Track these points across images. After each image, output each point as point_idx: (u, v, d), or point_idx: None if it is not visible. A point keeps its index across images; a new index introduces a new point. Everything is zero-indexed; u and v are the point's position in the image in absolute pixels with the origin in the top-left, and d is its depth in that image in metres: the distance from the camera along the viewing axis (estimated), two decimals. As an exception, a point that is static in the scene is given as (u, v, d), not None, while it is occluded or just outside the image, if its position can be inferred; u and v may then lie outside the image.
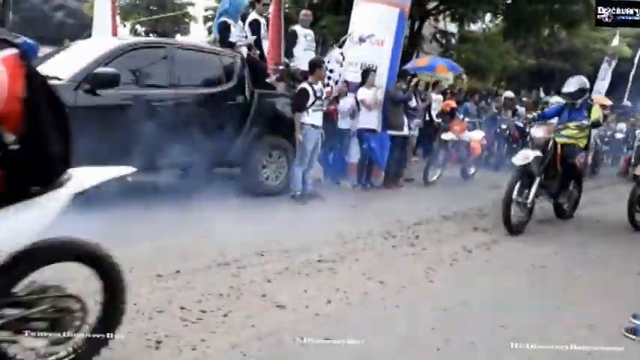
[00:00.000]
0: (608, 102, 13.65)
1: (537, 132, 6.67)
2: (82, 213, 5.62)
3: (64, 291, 2.47)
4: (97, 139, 5.29)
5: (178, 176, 6.04)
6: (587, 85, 7.12)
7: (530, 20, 15.88)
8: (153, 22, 22.48)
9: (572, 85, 6.98)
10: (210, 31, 7.51)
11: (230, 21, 7.51)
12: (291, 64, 8.38)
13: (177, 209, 5.85)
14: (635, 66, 19.97)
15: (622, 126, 14.57)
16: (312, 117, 7.13)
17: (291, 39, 8.75)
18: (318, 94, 7.21)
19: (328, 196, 7.51)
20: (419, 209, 7.27)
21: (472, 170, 10.60)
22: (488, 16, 18.66)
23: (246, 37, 7.81)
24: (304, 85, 7.21)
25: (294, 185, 7.18)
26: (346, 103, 8.33)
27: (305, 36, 8.72)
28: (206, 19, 21.54)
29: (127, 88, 5.86)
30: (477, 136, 10.62)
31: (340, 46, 8.83)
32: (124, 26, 24.95)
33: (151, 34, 23.27)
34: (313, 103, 7.12)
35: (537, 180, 6.47)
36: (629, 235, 6.95)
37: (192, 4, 27.89)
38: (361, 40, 8.76)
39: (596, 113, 6.79)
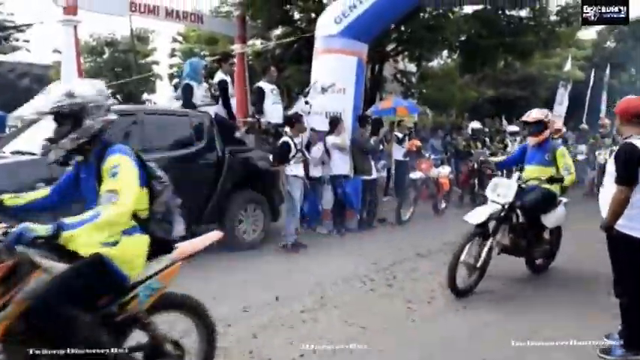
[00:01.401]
0: (560, 126, 14.00)
1: None
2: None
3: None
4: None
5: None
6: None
7: (485, 54, 16.45)
8: (119, 84, 22.67)
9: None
10: (176, 87, 7.69)
11: (193, 83, 7.70)
12: (261, 120, 8.58)
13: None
14: (589, 88, 20.69)
15: (582, 148, 14.99)
16: (295, 168, 7.38)
17: (260, 95, 8.91)
18: (298, 147, 7.48)
19: (306, 243, 7.66)
20: (394, 249, 7.45)
21: (443, 205, 10.85)
22: (445, 53, 19.25)
23: (211, 96, 7.99)
24: (285, 138, 7.50)
25: (287, 235, 7.37)
26: (317, 151, 8.54)
27: (271, 90, 8.95)
28: (171, 77, 21.78)
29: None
30: (444, 172, 10.91)
31: (305, 96, 9.13)
32: (91, 88, 24.88)
33: (117, 95, 23.42)
34: (294, 155, 7.38)
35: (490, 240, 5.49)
36: (601, 253, 7.09)
37: (157, 63, 28.25)
38: (323, 89, 9.14)
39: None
